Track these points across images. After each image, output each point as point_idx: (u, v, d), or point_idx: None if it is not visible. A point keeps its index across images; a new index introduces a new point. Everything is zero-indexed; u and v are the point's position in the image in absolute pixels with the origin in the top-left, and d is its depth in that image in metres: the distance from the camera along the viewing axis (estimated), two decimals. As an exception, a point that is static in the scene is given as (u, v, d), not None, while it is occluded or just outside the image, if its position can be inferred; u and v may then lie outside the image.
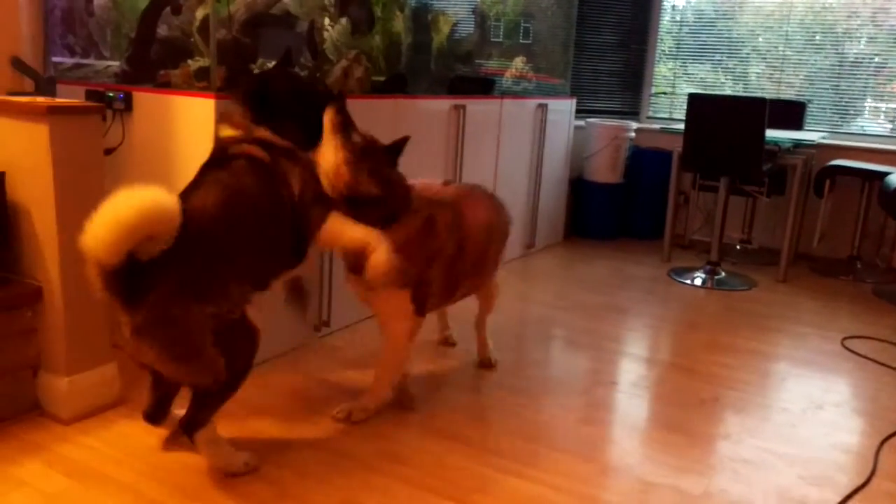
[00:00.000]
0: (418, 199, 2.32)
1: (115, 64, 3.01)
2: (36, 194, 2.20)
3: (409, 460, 2.18)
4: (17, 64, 2.43)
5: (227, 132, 2.10)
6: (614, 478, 2.16)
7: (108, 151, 2.63)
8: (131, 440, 2.20)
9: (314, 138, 2.20)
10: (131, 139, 2.66)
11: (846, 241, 4.98)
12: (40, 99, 2.29)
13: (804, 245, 5.12)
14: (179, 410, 2.11)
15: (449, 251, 2.34)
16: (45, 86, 2.53)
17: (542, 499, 2.02)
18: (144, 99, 2.61)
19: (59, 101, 2.29)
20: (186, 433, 1.97)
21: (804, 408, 2.71)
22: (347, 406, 2.39)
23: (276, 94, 2.14)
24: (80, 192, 2.23)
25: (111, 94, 2.65)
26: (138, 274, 1.76)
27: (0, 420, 2.24)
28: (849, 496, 2.13)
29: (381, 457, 2.19)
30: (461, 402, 2.58)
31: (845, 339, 3.50)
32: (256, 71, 2.25)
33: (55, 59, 2.96)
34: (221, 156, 2.06)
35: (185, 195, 1.95)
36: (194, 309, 1.82)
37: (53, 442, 2.16)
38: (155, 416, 2.15)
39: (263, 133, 2.09)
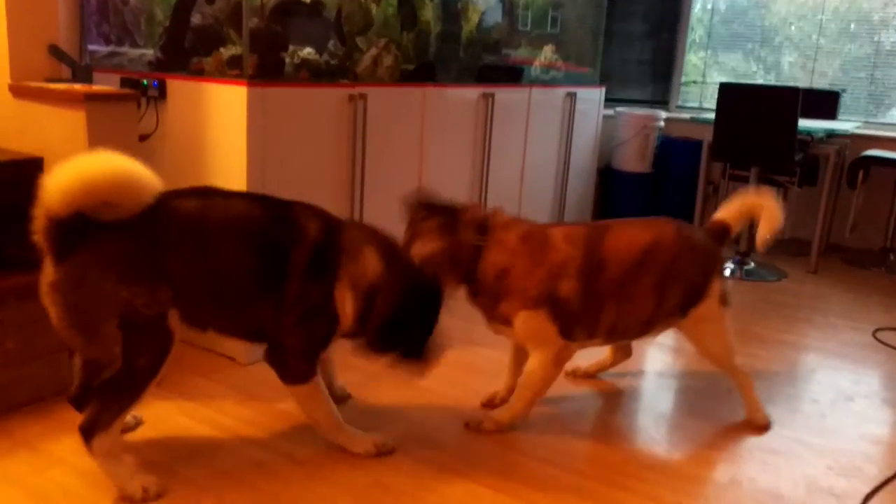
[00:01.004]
0: (506, 218, 2.25)
1: (149, 52, 3.05)
2: (73, 179, 2.25)
3: (437, 444, 2.20)
4: (55, 51, 2.48)
5: (355, 234, 2.05)
6: (641, 466, 2.16)
7: (143, 138, 2.67)
8: (166, 421, 2.24)
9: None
10: (165, 126, 2.71)
11: (879, 233, 4.91)
12: (77, 86, 2.34)
13: (836, 236, 5.05)
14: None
15: (577, 263, 2.17)
16: (81, 73, 2.57)
17: (568, 484, 2.04)
18: (178, 86, 2.65)
19: (95, 88, 2.33)
20: (83, 436, 1.81)
21: (834, 399, 2.68)
22: (482, 416, 2.33)
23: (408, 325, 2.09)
24: (115, 177, 2.27)
25: (145, 82, 2.69)
26: (79, 232, 1.73)
27: (37, 400, 2.29)
28: (878, 487, 2.12)
29: (409, 439, 2.21)
30: (487, 388, 2.59)
31: (877, 330, 3.46)
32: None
33: (91, 47, 3.01)
34: (291, 210, 1.99)
35: (205, 192, 1.94)
36: (108, 286, 1.75)
37: (90, 421, 2.21)
38: (80, 401, 2.00)
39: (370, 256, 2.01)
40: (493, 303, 2.21)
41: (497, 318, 2.23)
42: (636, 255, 2.23)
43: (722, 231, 2.41)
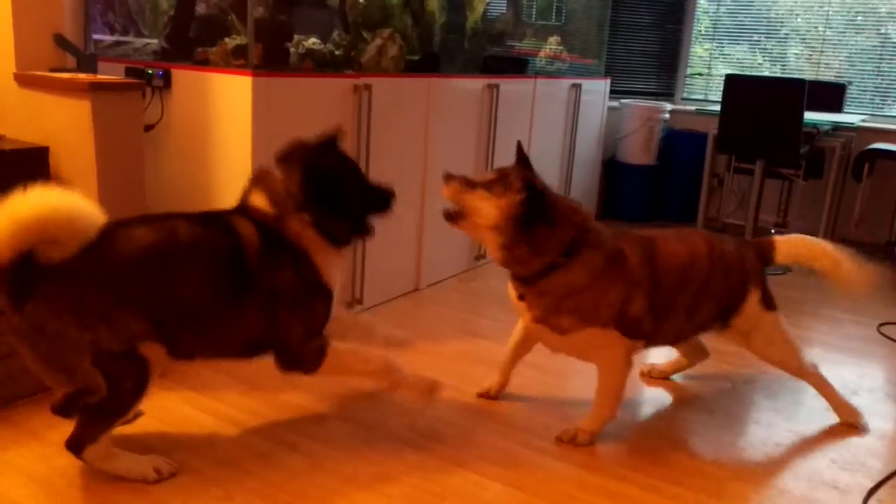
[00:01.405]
0: (601, 232, 2.11)
1: (154, 42, 3.05)
2: (78, 169, 2.25)
3: (442, 436, 2.20)
4: (60, 41, 2.47)
5: (258, 203, 1.98)
6: (647, 459, 2.16)
7: (148, 128, 2.67)
8: (170, 411, 2.25)
9: (350, 235, 2.08)
10: (170, 116, 2.70)
11: (884, 226, 4.90)
12: (82, 75, 2.33)
13: (841, 229, 5.04)
14: None
15: (644, 282, 2.11)
16: (86, 63, 2.57)
17: (575, 478, 2.04)
18: (183, 76, 2.65)
19: (100, 77, 2.33)
20: (72, 452, 1.82)
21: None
22: (573, 429, 2.23)
23: (334, 186, 2.01)
24: (120, 166, 2.27)
25: (150, 72, 2.68)
26: (29, 276, 1.68)
27: (43, 389, 2.28)
28: (882, 482, 2.12)
29: (414, 432, 2.21)
30: (490, 378, 2.59)
31: (881, 325, 3.45)
32: (311, 143, 2.05)
33: (96, 36, 3.00)
34: (221, 218, 1.95)
35: (140, 219, 1.89)
36: (71, 332, 1.71)
37: (95, 411, 2.22)
38: (66, 411, 1.90)
39: (292, 223, 1.95)
40: (551, 313, 2.08)
41: (553, 327, 2.10)
42: (678, 270, 2.19)
43: (767, 252, 2.40)
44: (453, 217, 2.07)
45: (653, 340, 2.26)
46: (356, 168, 2.11)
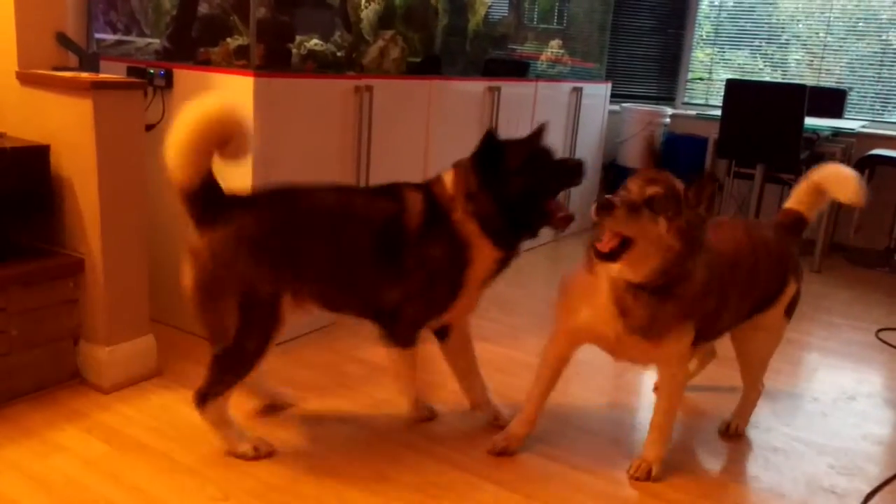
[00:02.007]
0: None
1: (156, 41, 3.05)
2: (79, 168, 2.25)
3: (442, 439, 2.20)
4: (62, 39, 2.47)
5: (446, 181, 2.02)
6: (642, 461, 2.16)
7: (149, 128, 2.67)
8: (168, 410, 2.25)
9: (515, 240, 2.05)
10: (171, 115, 2.69)
11: (883, 233, 4.90)
12: (84, 74, 2.33)
13: (840, 235, 5.04)
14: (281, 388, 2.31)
15: (720, 278, 1.93)
16: (88, 61, 2.56)
17: (570, 479, 2.04)
18: (185, 76, 2.65)
19: (102, 76, 2.33)
20: (196, 404, 1.96)
21: (836, 398, 2.68)
22: (645, 465, 2.06)
23: (522, 199, 1.98)
24: (121, 166, 2.27)
25: (152, 71, 2.68)
26: (216, 205, 1.87)
27: (42, 387, 2.30)
28: (879, 487, 2.12)
29: (413, 433, 2.22)
30: (492, 382, 2.59)
31: (880, 330, 3.46)
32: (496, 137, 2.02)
33: (98, 35, 3.00)
34: (396, 187, 2.06)
35: (323, 188, 2.04)
36: (240, 265, 1.87)
37: (92, 409, 2.22)
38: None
39: (462, 211, 1.97)
40: (662, 321, 1.84)
41: (654, 335, 1.87)
42: (747, 256, 2.08)
43: (794, 222, 2.24)
44: (615, 255, 1.76)
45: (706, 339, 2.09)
46: (545, 164, 2.04)
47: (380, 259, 1.98)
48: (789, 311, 2.24)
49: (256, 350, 1.94)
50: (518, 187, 1.98)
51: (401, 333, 2.08)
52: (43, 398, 2.27)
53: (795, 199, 2.30)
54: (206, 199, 1.86)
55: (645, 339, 1.87)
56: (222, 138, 1.84)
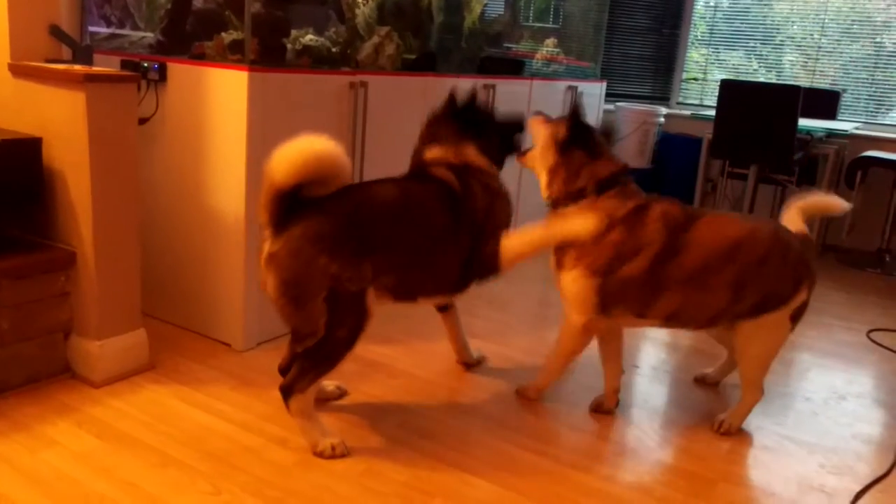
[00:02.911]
0: (634, 187, 2.29)
1: (150, 35, 3.04)
2: (71, 160, 2.24)
3: (433, 435, 2.20)
4: (56, 32, 2.46)
5: (434, 153, 2.32)
6: (633, 459, 2.17)
7: (142, 121, 2.66)
8: (159, 404, 2.24)
9: (503, 156, 2.47)
10: (165, 109, 2.69)
11: (876, 234, 4.92)
12: (77, 67, 2.32)
13: (832, 236, 5.06)
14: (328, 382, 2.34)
15: (656, 248, 2.14)
16: (81, 54, 2.55)
17: (562, 476, 2.04)
18: (178, 70, 2.64)
19: (95, 69, 2.32)
20: (283, 396, 2.02)
21: (826, 398, 2.69)
22: (530, 388, 2.48)
23: (482, 114, 2.43)
24: (114, 159, 2.26)
25: (146, 65, 2.67)
26: (296, 208, 1.92)
27: (33, 381, 2.29)
28: (869, 486, 2.13)
29: (405, 430, 2.21)
30: (484, 379, 2.60)
31: (871, 331, 3.47)
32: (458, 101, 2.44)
33: (92, 28, 2.99)
34: (422, 172, 2.30)
35: (378, 180, 2.19)
36: (322, 259, 1.91)
37: (84, 403, 2.21)
38: (286, 370, 2.18)
39: (468, 153, 2.33)
40: (560, 245, 2.24)
41: (558, 260, 2.26)
42: (724, 245, 2.16)
43: (809, 242, 2.34)
44: (521, 153, 2.42)
45: (672, 319, 2.23)
46: (487, 109, 2.52)
47: (450, 229, 2.18)
48: (795, 318, 2.27)
49: (348, 343, 2.01)
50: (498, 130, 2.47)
51: (495, 263, 2.26)
52: (34, 392, 2.26)
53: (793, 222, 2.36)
54: (289, 203, 1.92)
55: (554, 261, 2.27)
56: (329, 177, 1.96)
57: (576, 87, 4.63)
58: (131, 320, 2.42)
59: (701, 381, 2.74)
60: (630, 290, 2.16)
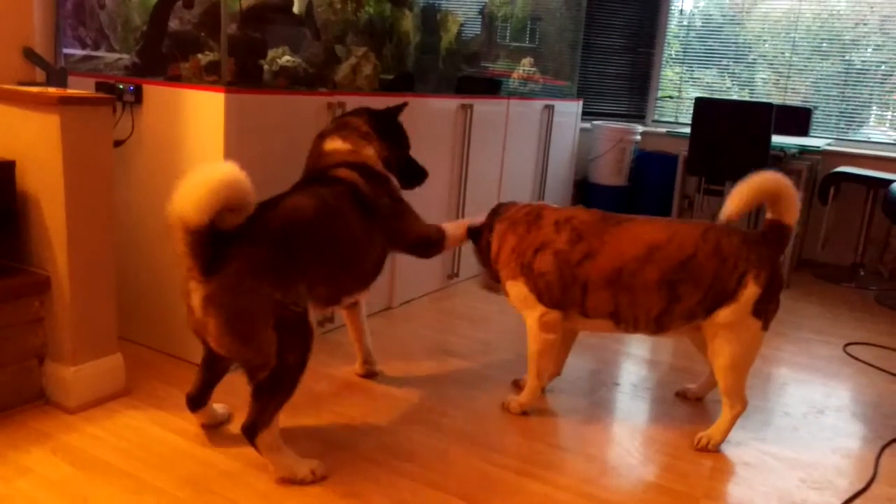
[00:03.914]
0: (507, 210, 2.55)
1: (125, 56, 3.02)
2: (45, 184, 2.22)
3: (413, 456, 2.19)
4: (29, 54, 2.44)
5: (336, 146, 2.36)
6: (616, 478, 2.17)
7: (118, 143, 2.64)
8: (136, 430, 2.21)
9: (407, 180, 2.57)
10: (141, 131, 2.68)
11: (850, 248, 4.99)
12: (51, 89, 2.30)
13: (807, 251, 5.12)
14: (219, 405, 2.28)
15: (559, 246, 2.35)
16: (56, 77, 2.54)
17: (544, 496, 2.03)
18: (154, 92, 2.63)
19: (70, 91, 2.30)
20: (247, 437, 1.95)
21: (805, 412, 2.71)
22: (509, 398, 2.57)
23: (394, 133, 2.51)
24: (89, 182, 2.24)
25: (122, 87, 2.66)
26: (219, 244, 1.85)
27: (6, 408, 2.25)
28: (849, 500, 2.14)
29: (385, 452, 2.20)
30: (464, 399, 2.59)
31: (847, 345, 3.51)
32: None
33: (66, 50, 2.97)
34: (323, 175, 2.29)
35: (285, 194, 2.15)
36: (264, 289, 1.88)
37: (58, 430, 2.18)
38: (197, 400, 2.17)
39: (369, 152, 2.38)
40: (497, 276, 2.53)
41: (500, 279, 2.52)
42: (639, 249, 2.30)
43: (778, 230, 2.33)
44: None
45: (619, 321, 2.38)
46: (406, 136, 2.58)
47: (365, 228, 2.24)
48: (760, 315, 2.27)
49: (301, 366, 1.98)
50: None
51: (431, 246, 2.51)
52: (7, 419, 2.22)
53: (774, 212, 2.36)
54: (210, 240, 1.84)
55: (501, 282, 2.52)
56: (240, 202, 1.89)
57: (552, 106, 4.66)
58: (107, 345, 2.38)
59: (682, 396, 2.75)
60: (553, 285, 2.37)
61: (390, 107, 2.54)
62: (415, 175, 2.60)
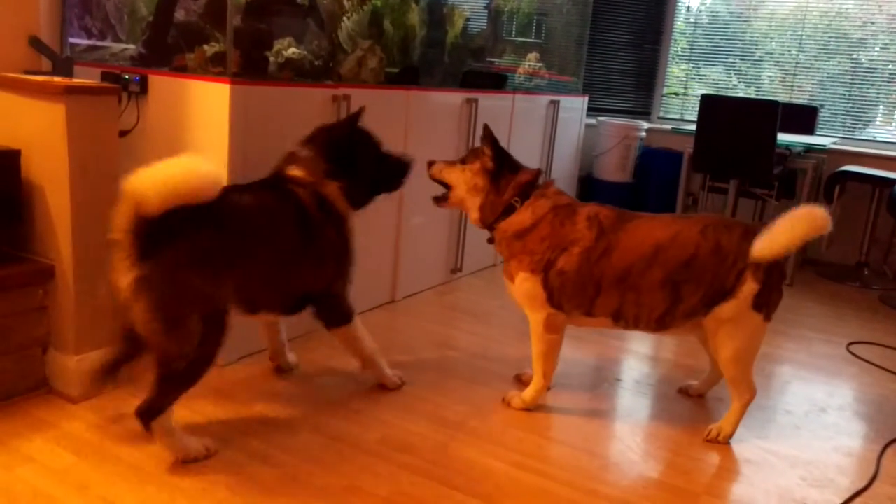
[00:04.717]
0: (555, 188, 2.46)
1: (131, 47, 3.02)
2: (50, 173, 2.22)
3: (414, 449, 2.19)
4: (35, 43, 2.44)
5: (297, 173, 2.28)
6: (617, 473, 2.17)
7: (123, 133, 2.64)
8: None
9: (369, 198, 2.44)
10: (146, 122, 2.68)
11: (854, 248, 4.98)
12: (57, 79, 2.30)
13: (812, 250, 5.11)
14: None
15: (587, 244, 2.31)
16: (62, 66, 2.54)
17: (545, 491, 2.04)
18: (160, 82, 2.63)
19: (76, 81, 2.30)
20: (142, 421, 1.93)
21: (807, 410, 2.71)
22: (511, 394, 2.55)
23: (356, 156, 2.37)
24: (94, 172, 2.24)
25: (127, 77, 2.66)
26: (163, 229, 1.83)
27: (9, 396, 2.25)
28: (850, 499, 2.14)
29: (386, 445, 2.20)
30: (467, 393, 2.59)
31: (850, 344, 3.50)
32: (333, 124, 2.44)
33: (72, 40, 2.97)
34: (280, 183, 2.26)
35: (234, 189, 2.14)
36: (197, 281, 1.89)
37: (61, 419, 2.18)
38: (103, 376, 2.10)
39: (330, 189, 2.29)
40: (506, 259, 2.44)
41: (506, 272, 2.45)
42: (647, 249, 2.28)
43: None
44: (441, 198, 2.51)
45: (619, 319, 2.38)
46: (374, 142, 2.44)
47: (298, 249, 2.20)
48: (761, 308, 2.27)
49: (211, 359, 1.98)
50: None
51: (342, 311, 2.38)
52: (10, 408, 2.22)
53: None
54: (154, 226, 1.82)
55: (505, 275, 2.46)
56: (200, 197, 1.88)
57: (558, 102, 4.66)
58: (110, 334, 2.38)
59: (685, 392, 2.75)
60: (568, 284, 2.32)
61: (346, 120, 2.42)
62: (395, 172, 2.49)
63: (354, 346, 2.46)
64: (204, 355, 1.95)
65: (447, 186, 2.50)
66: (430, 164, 2.53)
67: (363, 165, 2.38)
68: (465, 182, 2.43)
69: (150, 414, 1.93)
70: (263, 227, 2.11)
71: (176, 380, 1.93)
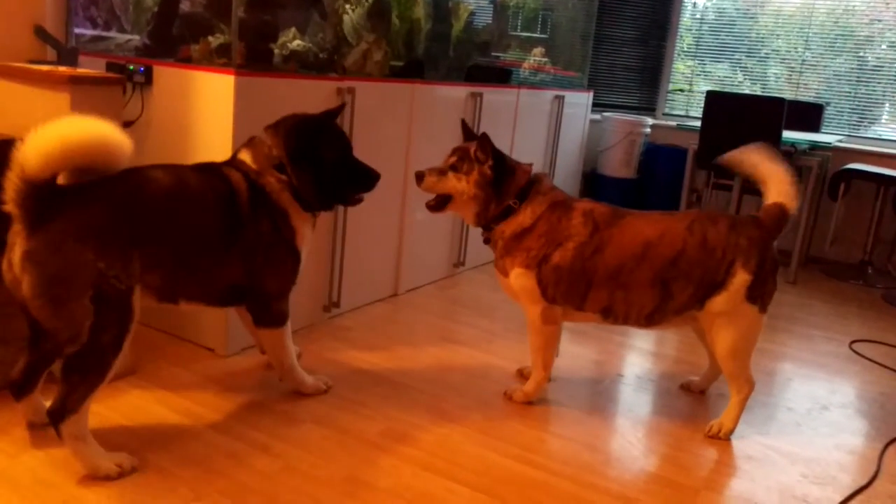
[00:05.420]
0: (550, 185, 2.45)
1: (136, 38, 3.02)
2: (55, 162, 2.22)
3: (415, 441, 2.19)
4: (40, 33, 2.45)
5: (244, 158, 2.17)
6: (618, 468, 2.17)
7: (127, 124, 2.64)
8: (141, 409, 2.22)
9: (324, 203, 2.27)
10: (150, 113, 2.68)
11: (858, 246, 4.97)
12: (62, 68, 2.31)
13: (816, 248, 5.10)
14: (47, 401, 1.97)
15: (582, 239, 2.32)
16: (66, 56, 2.54)
17: (546, 485, 2.04)
18: (165, 73, 2.62)
19: (80, 71, 2.30)
20: (52, 423, 1.80)
21: (809, 408, 2.71)
22: (513, 387, 2.55)
23: (318, 155, 2.20)
24: (98, 162, 2.24)
25: (132, 67, 2.66)
26: (52, 200, 1.71)
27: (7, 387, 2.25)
28: (851, 496, 2.14)
29: (387, 437, 2.20)
30: (469, 387, 2.59)
31: (853, 342, 3.49)
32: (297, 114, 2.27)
33: (77, 30, 2.97)
34: (219, 167, 2.13)
35: (153, 166, 1.99)
36: (88, 254, 1.74)
37: (63, 408, 2.18)
38: (21, 386, 1.98)
39: (271, 181, 2.14)
40: (501, 256, 2.43)
41: (500, 268, 2.45)
42: (636, 247, 2.29)
43: (773, 213, 2.32)
44: (437, 206, 2.45)
45: (609, 315, 2.39)
46: (342, 143, 2.29)
47: (222, 236, 2.05)
48: (754, 300, 2.28)
49: (115, 347, 1.82)
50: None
51: (271, 312, 2.24)
52: (10, 395, 2.22)
53: (776, 193, 2.35)
54: (46, 195, 1.70)
55: (498, 269, 2.46)
56: (99, 165, 1.77)
57: (563, 97, 4.65)
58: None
59: (686, 389, 2.75)
60: (563, 279, 2.33)
61: (321, 114, 2.27)
62: (357, 183, 2.30)
63: (276, 352, 2.32)
64: (104, 341, 1.79)
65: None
66: (420, 176, 2.42)
67: (324, 166, 2.20)
68: (466, 192, 2.38)
69: (58, 415, 1.78)
70: (177, 207, 1.95)
71: (77, 371, 1.79)
